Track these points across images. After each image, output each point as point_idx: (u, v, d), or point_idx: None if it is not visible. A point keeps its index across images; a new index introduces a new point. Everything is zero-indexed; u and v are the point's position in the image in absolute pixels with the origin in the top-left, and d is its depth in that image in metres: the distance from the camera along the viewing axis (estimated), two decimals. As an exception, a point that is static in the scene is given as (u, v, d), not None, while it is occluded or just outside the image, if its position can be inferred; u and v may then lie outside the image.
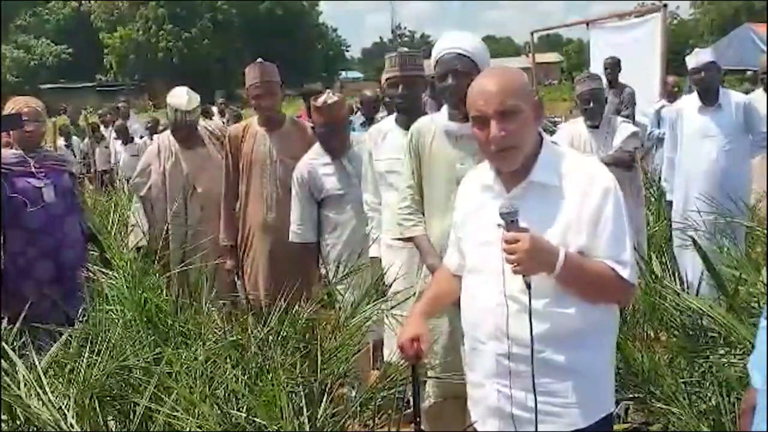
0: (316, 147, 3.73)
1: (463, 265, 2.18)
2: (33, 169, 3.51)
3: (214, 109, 11.47)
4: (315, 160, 3.69)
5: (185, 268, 3.42)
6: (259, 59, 3.95)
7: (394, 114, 3.44)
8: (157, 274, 3.22)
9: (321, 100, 3.58)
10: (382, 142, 3.36)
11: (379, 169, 3.35)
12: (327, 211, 3.68)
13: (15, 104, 3.56)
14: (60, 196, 3.58)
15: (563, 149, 2.07)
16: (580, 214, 1.92)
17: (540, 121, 2.03)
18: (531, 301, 1.86)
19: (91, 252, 3.92)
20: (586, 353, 1.96)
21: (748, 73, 11.74)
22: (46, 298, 3.40)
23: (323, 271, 3.60)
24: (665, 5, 8.38)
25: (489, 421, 2.08)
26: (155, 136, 4.57)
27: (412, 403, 2.39)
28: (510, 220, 1.86)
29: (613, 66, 7.39)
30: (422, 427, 3.41)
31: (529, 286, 1.86)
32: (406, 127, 3.18)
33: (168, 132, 4.30)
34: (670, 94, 7.66)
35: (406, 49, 3.41)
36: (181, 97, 4.15)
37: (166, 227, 3.99)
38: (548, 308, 1.93)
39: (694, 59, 4.84)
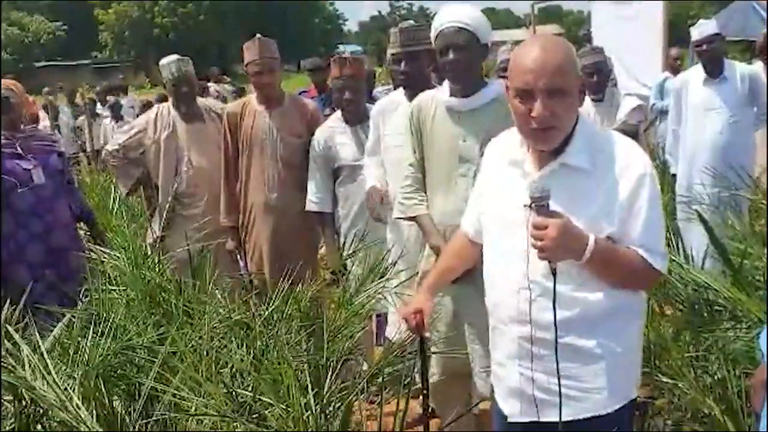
0: (335, 115, 3.73)
1: (482, 232, 2.16)
2: (20, 151, 3.46)
3: (210, 86, 11.34)
4: (332, 129, 3.68)
5: (183, 248, 3.39)
6: (258, 35, 3.88)
7: (401, 89, 3.40)
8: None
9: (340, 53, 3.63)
10: (390, 116, 3.33)
11: (387, 143, 3.32)
12: (340, 181, 3.68)
13: None
14: (49, 178, 3.53)
15: (599, 129, 1.99)
16: (613, 201, 1.85)
17: (582, 101, 1.97)
18: (556, 288, 1.82)
19: (84, 232, 3.89)
20: (611, 339, 1.92)
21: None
22: (41, 280, 3.38)
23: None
24: (666, -25, 8.28)
25: (510, 401, 2.07)
26: (155, 106, 4.46)
27: (420, 377, 2.39)
28: (540, 205, 1.79)
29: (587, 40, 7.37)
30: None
31: (554, 273, 1.81)
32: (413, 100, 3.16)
33: (168, 104, 4.22)
34: (673, 67, 7.58)
35: (411, 22, 3.33)
36: (171, 56, 4.14)
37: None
38: (574, 293, 1.89)
39: (698, 31, 4.79)
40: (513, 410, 2.06)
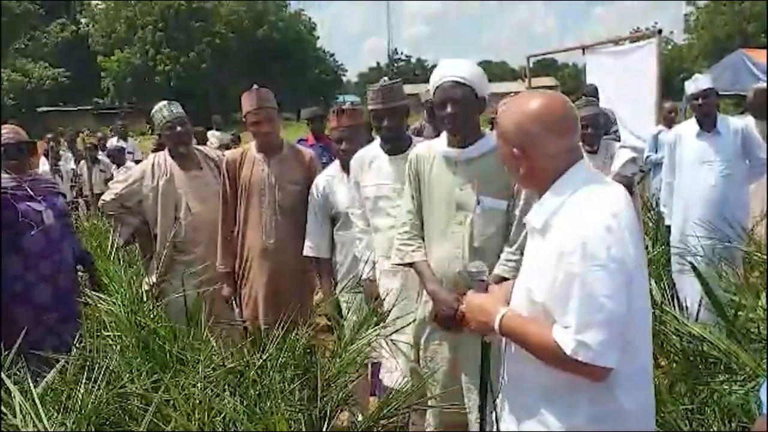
0: (334, 164, 3.78)
1: None
2: (31, 193, 3.51)
3: (209, 134, 11.42)
4: (331, 177, 3.73)
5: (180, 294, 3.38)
6: (255, 85, 3.95)
7: (378, 140, 3.47)
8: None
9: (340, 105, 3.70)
10: (369, 167, 3.38)
11: (368, 194, 3.37)
12: (337, 228, 3.70)
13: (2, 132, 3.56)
14: (57, 219, 3.58)
15: (579, 194, 1.84)
16: (546, 268, 1.80)
17: (523, 167, 1.90)
18: (488, 356, 2.09)
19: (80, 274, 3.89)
20: (553, 409, 1.86)
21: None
22: (43, 323, 3.37)
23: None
24: (660, 31, 8.48)
25: None
26: (151, 155, 4.48)
27: (479, 389, 2.34)
28: (473, 279, 2.05)
29: (593, 93, 7.43)
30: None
31: (483, 345, 2.11)
32: (392, 153, 3.25)
33: (164, 152, 4.26)
34: (667, 120, 7.68)
35: (386, 79, 3.46)
36: (160, 102, 4.19)
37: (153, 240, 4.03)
38: (518, 354, 1.94)
39: (693, 85, 4.89)
40: None
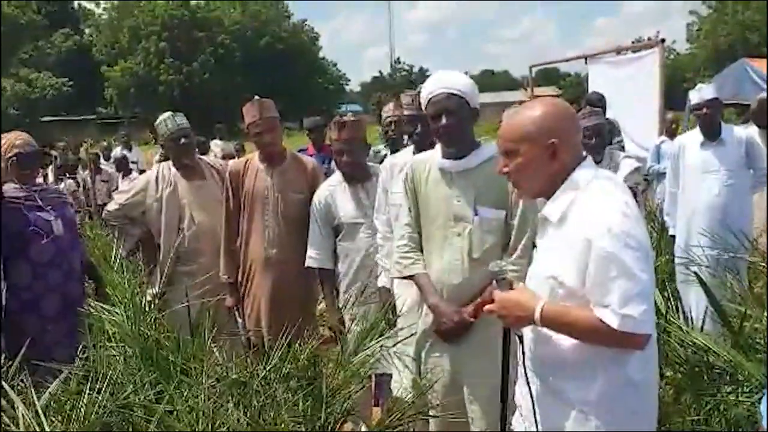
0: (336, 175, 3.77)
1: None
2: (40, 203, 3.52)
3: (212, 144, 11.43)
4: (333, 187, 3.71)
5: (185, 304, 3.38)
6: (257, 96, 3.95)
7: (411, 147, 3.46)
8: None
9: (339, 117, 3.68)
10: (399, 174, 3.37)
11: (394, 201, 3.35)
12: (340, 238, 3.69)
13: (8, 140, 3.56)
14: (66, 228, 3.59)
15: (591, 188, 2.01)
16: (572, 255, 1.94)
17: (557, 161, 2.01)
18: (525, 350, 2.06)
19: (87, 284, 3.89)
20: (578, 384, 1.99)
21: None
22: (50, 333, 3.36)
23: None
24: (662, 40, 8.49)
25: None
26: (155, 165, 4.49)
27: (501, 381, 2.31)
28: (497, 279, 2.07)
29: (597, 100, 7.37)
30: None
31: (519, 338, 2.07)
32: None
33: (168, 163, 4.26)
34: (669, 130, 7.67)
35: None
36: (164, 114, 4.19)
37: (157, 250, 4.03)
38: (549, 333, 2.02)
39: (697, 95, 4.88)
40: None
